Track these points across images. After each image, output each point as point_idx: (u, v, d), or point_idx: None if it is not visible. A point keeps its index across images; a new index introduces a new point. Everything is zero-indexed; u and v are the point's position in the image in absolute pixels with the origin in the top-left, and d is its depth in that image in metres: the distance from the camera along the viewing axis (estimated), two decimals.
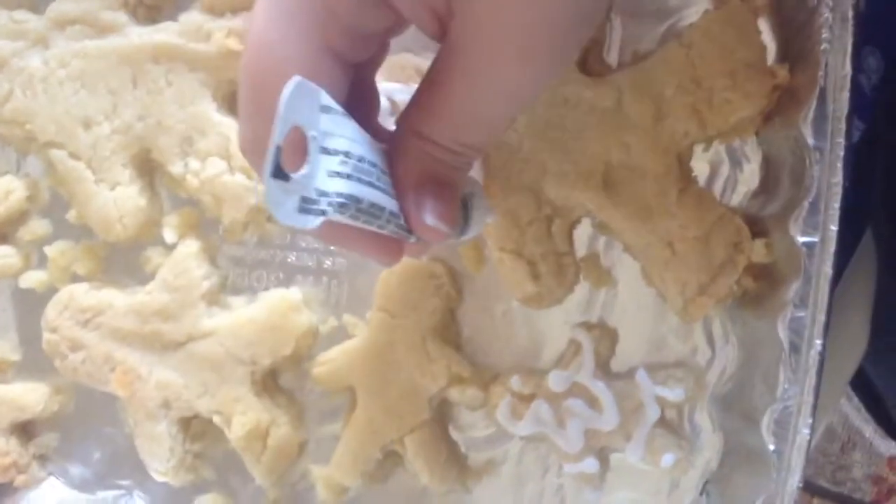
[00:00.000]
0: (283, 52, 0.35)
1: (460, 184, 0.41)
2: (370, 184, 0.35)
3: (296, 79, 0.31)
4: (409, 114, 0.38)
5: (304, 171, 0.31)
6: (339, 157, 0.33)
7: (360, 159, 0.34)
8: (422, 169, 0.38)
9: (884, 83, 0.70)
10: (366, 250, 0.40)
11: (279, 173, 0.30)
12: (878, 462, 1.54)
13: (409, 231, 0.39)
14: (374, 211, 0.35)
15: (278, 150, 0.30)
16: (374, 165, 0.36)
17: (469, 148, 0.39)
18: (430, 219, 0.38)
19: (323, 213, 0.32)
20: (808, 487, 1.54)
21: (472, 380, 0.56)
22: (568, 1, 0.34)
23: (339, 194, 0.33)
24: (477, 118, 0.38)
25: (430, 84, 0.38)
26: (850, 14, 0.46)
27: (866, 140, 0.70)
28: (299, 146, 0.31)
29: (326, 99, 0.33)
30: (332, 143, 0.33)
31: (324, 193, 0.32)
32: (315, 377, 0.58)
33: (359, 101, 0.39)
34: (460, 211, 0.42)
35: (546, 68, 0.37)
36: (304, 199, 0.31)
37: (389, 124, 0.42)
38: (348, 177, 0.33)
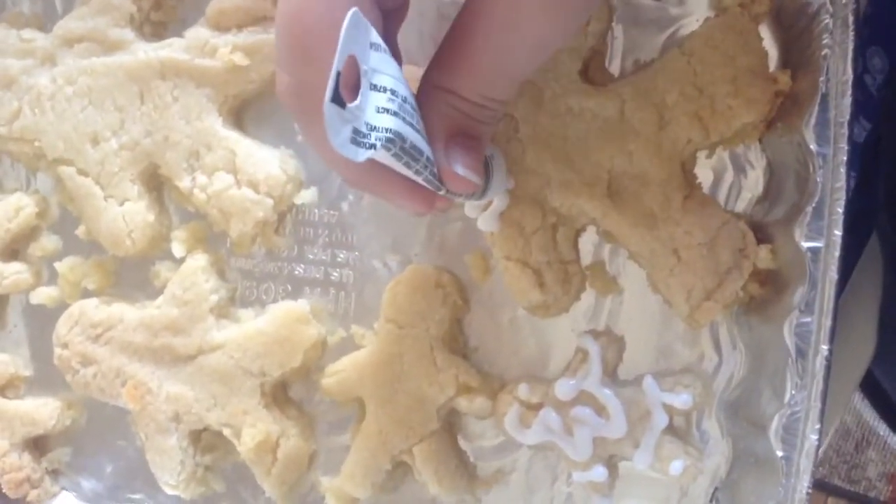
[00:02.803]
0: None
1: (485, 137, 0.42)
2: (412, 125, 0.36)
3: (354, 10, 0.32)
4: (434, 69, 0.39)
5: (357, 101, 0.32)
6: (386, 95, 0.34)
7: (404, 100, 0.35)
8: (450, 122, 0.39)
9: (889, 83, 0.70)
10: (402, 196, 0.40)
11: (337, 99, 0.31)
12: (893, 460, 1.54)
13: (440, 181, 0.40)
14: (414, 153, 0.36)
15: (338, 75, 0.31)
16: (414, 109, 0.37)
17: (493, 101, 0.40)
18: (460, 169, 0.39)
19: (372, 146, 0.33)
20: (823, 487, 1.53)
21: (480, 389, 0.56)
22: None
23: (387, 130, 0.34)
24: (500, 71, 0.39)
25: (454, 39, 0.39)
26: (851, 19, 0.46)
27: (872, 140, 0.70)
28: (353, 79, 0.33)
29: (376, 36, 0.34)
30: (380, 80, 0.34)
31: (373, 128, 0.33)
32: (324, 388, 0.59)
33: None
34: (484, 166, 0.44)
35: (569, 20, 0.38)
36: (356, 131, 0.32)
37: None
38: (395, 114, 0.34)
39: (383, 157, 0.34)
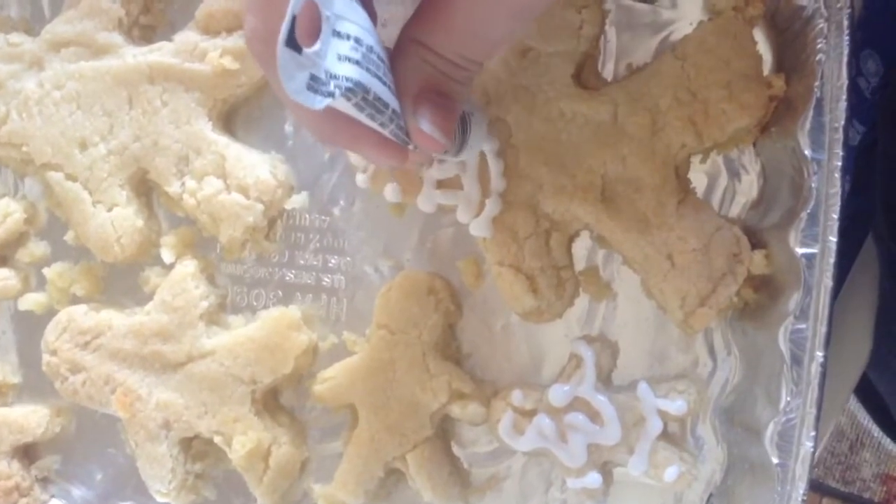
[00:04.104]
0: None
1: (459, 98, 0.41)
2: (377, 76, 0.35)
3: None
4: (413, 24, 0.39)
5: (316, 47, 0.32)
6: (350, 43, 0.33)
7: (370, 49, 0.34)
8: (422, 77, 0.38)
9: (883, 86, 0.69)
10: (370, 148, 0.39)
11: (292, 43, 0.31)
12: (887, 461, 1.54)
13: (408, 136, 0.39)
14: (378, 105, 0.35)
15: (294, 18, 0.30)
16: (381, 60, 0.36)
17: (469, 61, 0.39)
18: (426, 126, 0.38)
19: (331, 94, 0.32)
20: (818, 488, 1.53)
21: (473, 395, 0.56)
22: None
23: (348, 79, 0.33)
24: (478, 32, 0.38)
25: None
26: (846, 24, 0.46)
27: (866, 144, 0.70)
28: (313, 24, 0.32)
29: None
30: (343, 28, 0.33)
31: (333, 76, 0.32)
32: (316, 395, 0.58)
33: None
34: (458, 125, 0.42)
35: None
36: (314, 78, 0.32)
37: None
38: (357, 63, 0.33)
39: (344, 106, 0.34)
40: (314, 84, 0.32)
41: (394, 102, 0.37)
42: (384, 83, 0.35)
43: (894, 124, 0.64)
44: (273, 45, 0.31)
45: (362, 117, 0.35)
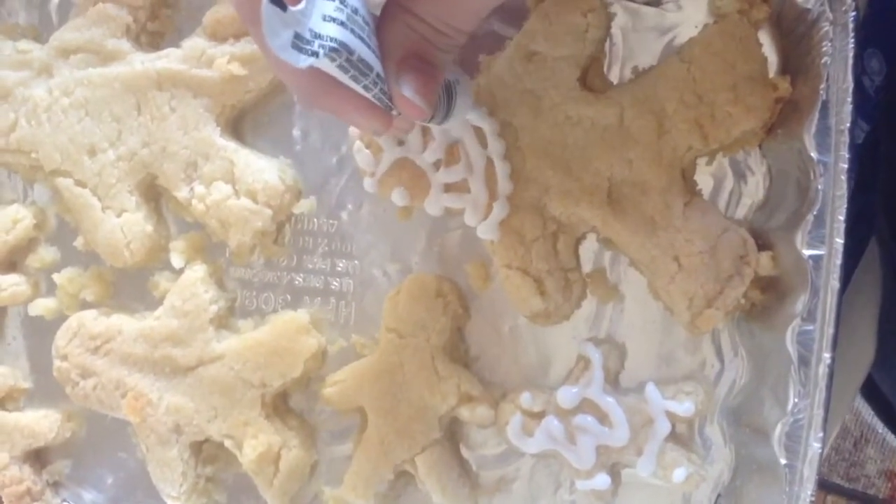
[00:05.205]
0: None
1: (442, 65, 0.41)
2: (361, 39, 0.35)
3: None
4: None
5: (301, 6, 0.32)
6: (335, 3, 0.33)
7: (355, 11, 0.35)
8: (406, 43, 0.39)
9: (887, 86, 0.70)
10: (353, 111, 0.39)
11: (277, 1, 0.31)
12: (891, 458, 1.53)
13: (391, 101, 0.39)
14: (362, 67, 0.35)
15: None
16: (366, 23, 0.36)
17: (453, 29, 0.39)
18: (408, 91, 0.38)
19: (315, 53, 0.32)
20: (823, 485, 1.53)
21: (481, 398, 0.56)
22: None
23: (333, 39, 0.33)
24: (463, 1, 0.39)
25: None
26: (851, 26, 0.46)
27: (871, 142, 0.70)
28: None
29: None
30: None
31: (318, 35, 0.33)
32: (325, 398, 0.59)
33: None
34: (441, 93, 0.43)
35: None
36: (298, 37, 0.32)
37: None
38: (342, 24, 0.34)
39: (327, 66, 0.34)
40: (298, 43, 0.32)
41: (378, 66, 0.37)
42: (369, 46, 0.36)
43: None
44: (256, 2, 0.31)
45: (346, 79, 0.35)
